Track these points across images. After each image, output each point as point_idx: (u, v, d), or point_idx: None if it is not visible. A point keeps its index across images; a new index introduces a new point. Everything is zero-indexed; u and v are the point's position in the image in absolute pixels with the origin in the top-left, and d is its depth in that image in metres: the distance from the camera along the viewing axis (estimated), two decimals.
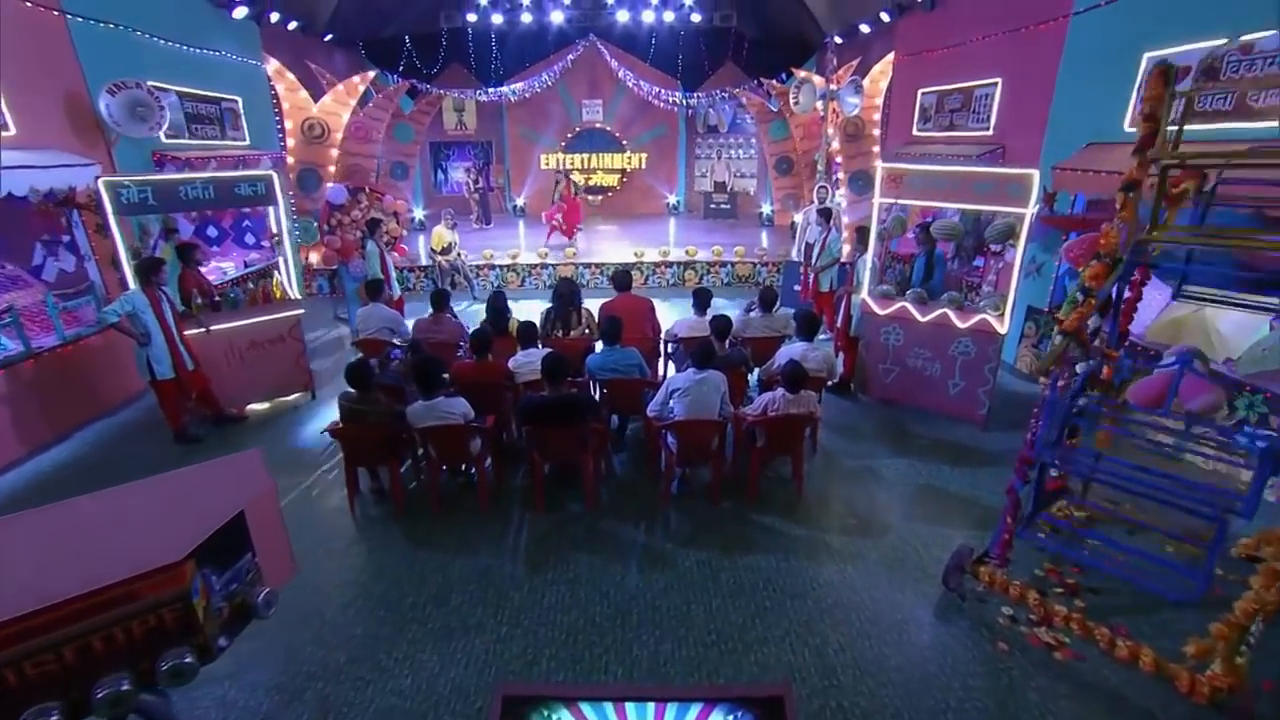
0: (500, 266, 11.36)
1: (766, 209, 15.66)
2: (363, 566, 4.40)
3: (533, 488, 4.98)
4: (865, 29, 11.95)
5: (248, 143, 9.34)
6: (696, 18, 14.90)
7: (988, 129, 7.92)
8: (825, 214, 8.24)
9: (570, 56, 14.92)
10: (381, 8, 13.37)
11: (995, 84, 7.83)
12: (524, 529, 4.76)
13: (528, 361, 5.37)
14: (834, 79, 9.65)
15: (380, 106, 12.71)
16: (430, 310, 6.45)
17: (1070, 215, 6.50)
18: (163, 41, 7.70)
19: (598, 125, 16.75)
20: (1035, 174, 5.31)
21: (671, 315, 9.22)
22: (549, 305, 6.53)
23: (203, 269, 6.84)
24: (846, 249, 8.79)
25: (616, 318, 5.59)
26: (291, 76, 10.62)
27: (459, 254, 10.45)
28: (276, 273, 6.83)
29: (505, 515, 4.93)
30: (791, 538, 4.63)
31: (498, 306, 6.37)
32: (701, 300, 6.46)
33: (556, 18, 14.48)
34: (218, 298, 6.30)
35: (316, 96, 11.15)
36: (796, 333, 5.66)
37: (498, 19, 14.33)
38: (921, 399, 6.39)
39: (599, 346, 5.71)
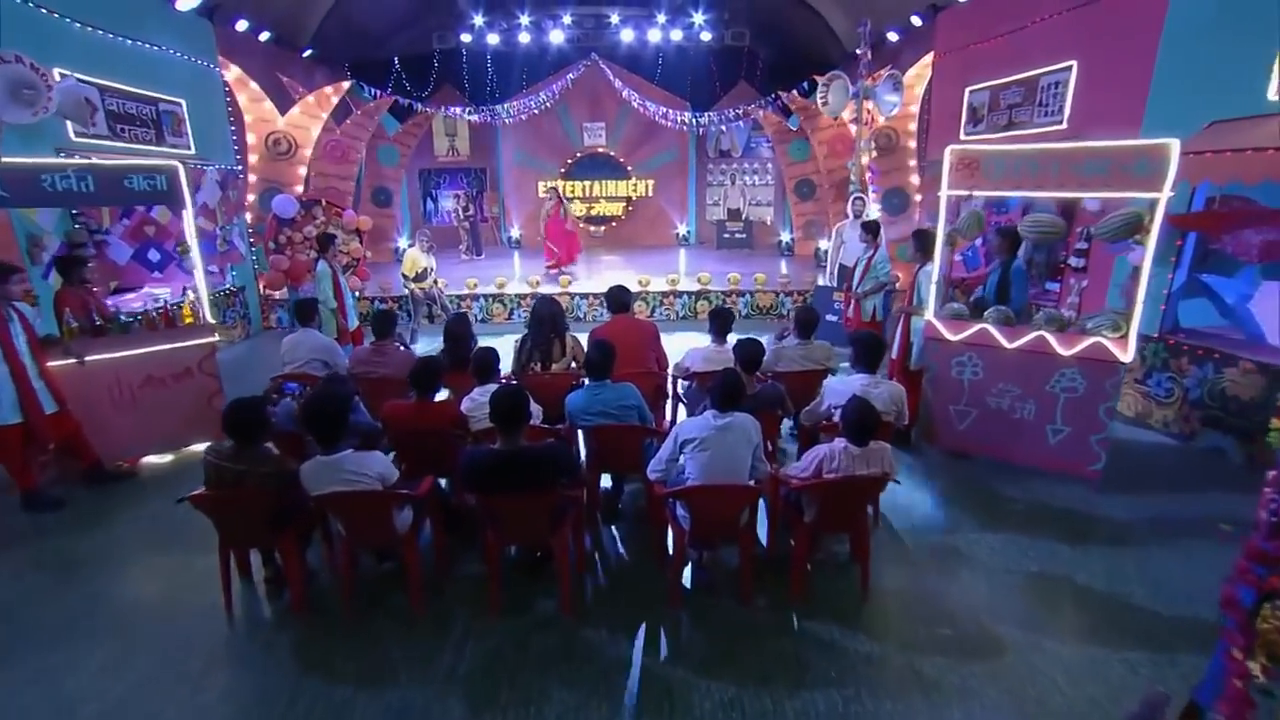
0: (485, 297, 10.15)
1: (785, 237, 14.62)
2: (218, 702, 2.93)
3: (487, 579, 3.52)
4: (894, 36, 10.89)
5: (193, 151, 8.18)
6: (707, 36, 14.23)
7: (1060, 122, 6.64)
8: (871, 229, 6.90)
9: (571, 76, 14.14)
10: (369, 30, 12.67)
11: (1068, 68, 6.57)
12: (469, 642, 3.32)
13: (486, 402, 3.95)
14: (869, 76, 8.41)
15: (359, 124, 11.83)
16: (371, 338, 5.09)
17: (1208, 210, 5.11)
18: (81, 25, 6.56)
19: (600, 150, 15.96)
20: (1174, 144, 3.93)
21: (682, 347, 7.85)
22: (525, 333, 5.17)
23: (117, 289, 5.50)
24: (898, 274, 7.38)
25: (608, 344, 4.21)
26: (255, 86, 9.57)
27: (435, 281, 9.16)
28: (191, 291, 5.50)
29: (445, 620, 3.48)
30: (861, 658, 3.14)
31: (457, 333, 5.06)
32: (721, 325, 5.12)
33: (556, 37, 13.86)
34: (100, 321, 4.96)
35: (285, 111, 10.08)
36: (854, 363, 4.26)
37: (494, 39, 13.67)
38: (1009, 450, 4.93)
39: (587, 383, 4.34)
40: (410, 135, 14.17)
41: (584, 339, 5.27)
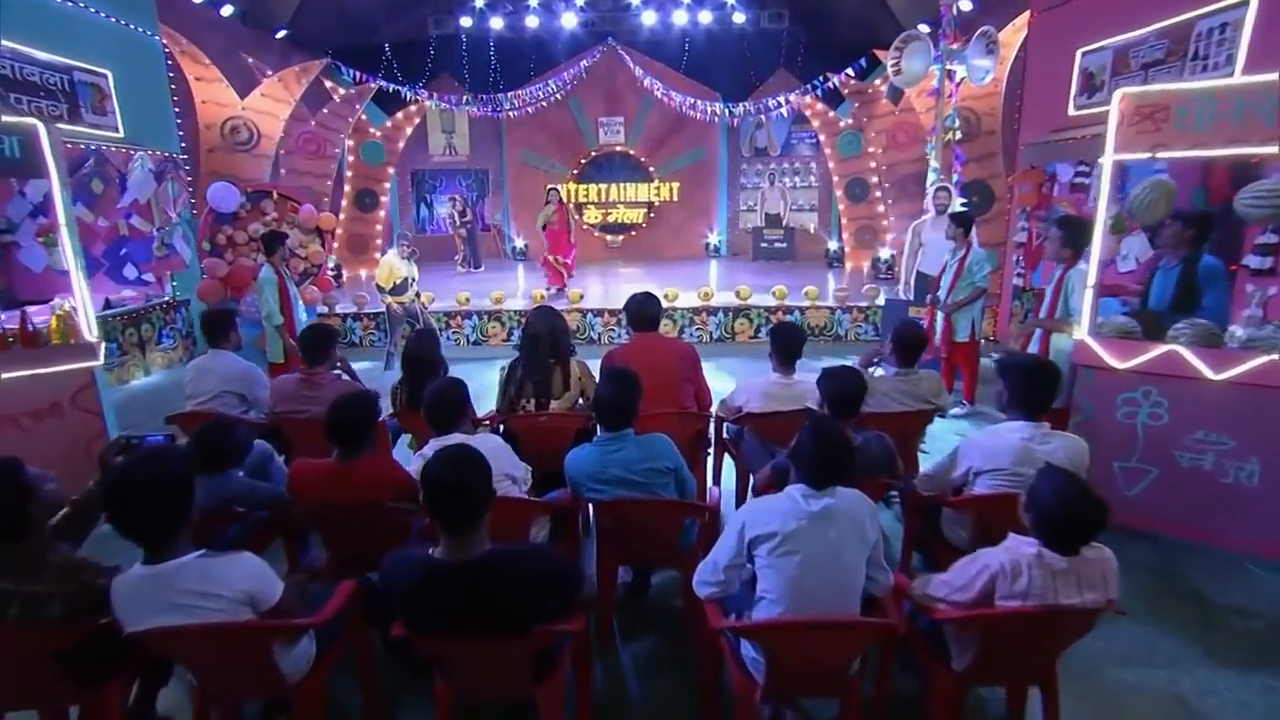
0: (479, 314, 9.02)
1: (833, 246, 13.53)
2: None
3: None
4: (967, 4, 9.73)
5: (121, 134, 7.12)
6: (740, 18, 13.37)
7: (1229, 75, 5.30)
8: (961, 221, 5.64)
9: (585, 63, 13.42)
10: (356, 13, 11.92)
11: (1243, 6, 5.25)
12: None
13: None
14: (954, 38, 7.18)
15: (338, 114, 11.05)
16: (304, 364, 3.91)
17: None
18: None
19: (618, 149, 15.18)
20: None
21: (721, 380, 6.63)
22: (514, 358, 3.96)
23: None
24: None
25: (630, 376, 3.02)
26: (209, 62, 8.53)
27: (416, 294, 8.00)
28: (68, 300, 4.33)
29: None
30: None
31: (419, 356, 3.90)
32: (787, 348, 3.96)
33: (569, 21, 13.12)
34: None
35: (247, 95, 9.11)
36: (1011, 404, 2.95)
37: (497, 23, 12.92)
38: (1213, 528, 3.61)
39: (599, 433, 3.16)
40: (400, 130, 13.37)
41: (597, 367, 4.05)
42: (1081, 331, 3.95)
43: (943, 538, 3.16)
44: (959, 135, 7.63)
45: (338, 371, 4.16)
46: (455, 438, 3.00)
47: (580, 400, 3.99)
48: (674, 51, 14.05)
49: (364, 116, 12.48)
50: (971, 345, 5.86)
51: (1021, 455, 2.80)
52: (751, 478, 3.59)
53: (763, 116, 14.05)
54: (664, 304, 8.76)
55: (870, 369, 4.14)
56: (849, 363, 3.77)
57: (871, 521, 2.36)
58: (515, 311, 9.12)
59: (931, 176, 7.56)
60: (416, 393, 3.85)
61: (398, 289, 7.99)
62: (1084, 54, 7.08)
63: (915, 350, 3.96)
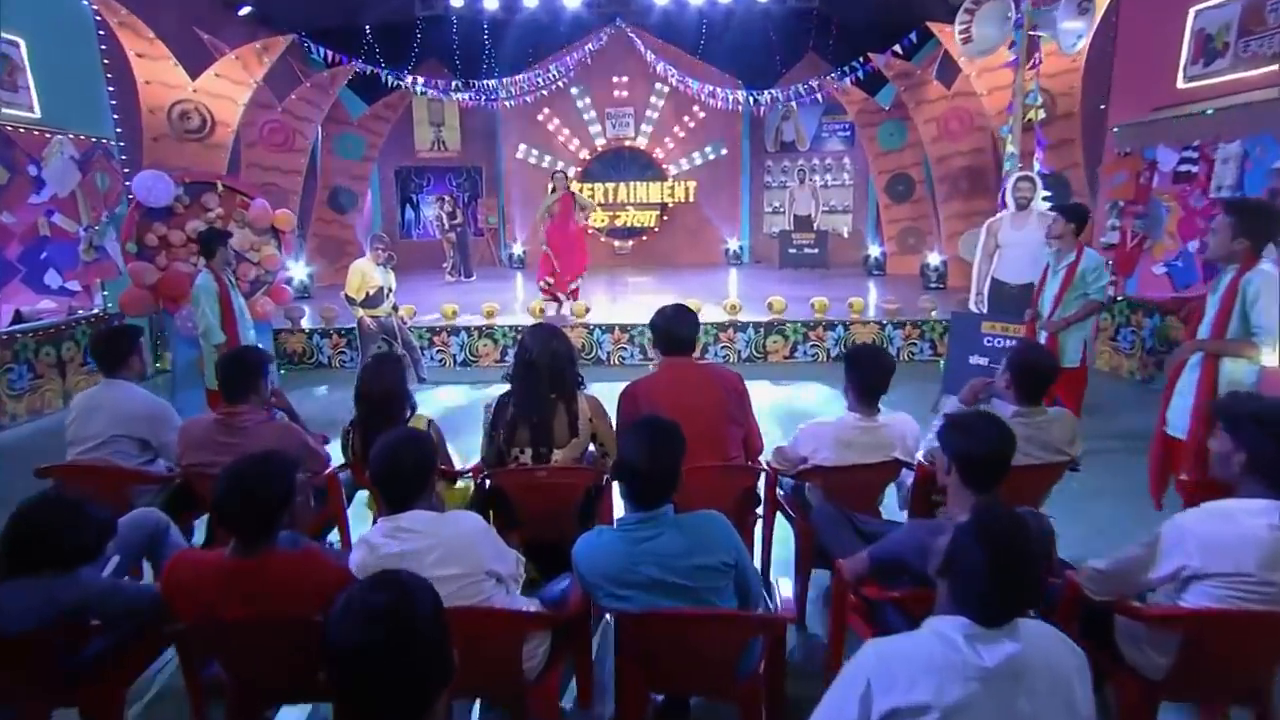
0: (468, 330, 8.46)
1: (874, 251, 12.85)
2: None
3: None
4: None
5: (36, 114, 6.41)
6: None
7: None
8: (1075, 215, 4.90)
9: (590, 47, 13.07)
10: None
11: None
12: None
13: (396, 553, 1.94)
14: None
15: (309, 100, 10.46)
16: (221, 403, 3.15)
17: None
18: None
19: (628, 143, 14.69)
20: None
21: (777, 424, 5.90)
22: (505, 392, 3.29)
23: None
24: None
25: (666, 428, 2.29)
26: (153, 37, 7.85)
27: (394, 307, 7.47)
28: None
29: None
30: None
31: (377, 390, 3.19)
32: (871, 379, 3.22)
33: (572, 2, 12.46)
34: None
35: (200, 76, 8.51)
36: (1252, 473, 2.09)
37: (492, 2, 12.33)
38: None
39: (618, 505, 2.58)
40: (382, 121, 12.91)
41: (611, 403, 3.32)
42: (1273, 356, 3.11)
43: (1119, 660, 2.31)
44: (1042, 115, 6.81)
45: (270, 409, 3.34)
46: (415, 517, 2.20)
47: (590, 447, 3.27)
48: (690, 33, 13.60)
49: (340, 105, 12.04)
50: (1080, 372, 5.09)
51: (1274, 554, 1.95)
52: (832, 561, 2.76)
53: (791, 105, 13.60)
54: None
55: (983, 401, 3.32)
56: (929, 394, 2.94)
57: (1081, 680, 1.53)
58: (510, 327, 8.53)
59: (1008, 165, 6.79)
60: (374, 438, 3.08)
61: (371, 300, 7.35)
62: (1199, 11, 6.32)
63: (1043, 383, 3.19)
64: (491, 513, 3.17)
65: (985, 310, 6.45)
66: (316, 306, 8.98)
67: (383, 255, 7.39)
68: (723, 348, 8.49)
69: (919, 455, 3.23)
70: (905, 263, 12.23)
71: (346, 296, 7.24)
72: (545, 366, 3.18)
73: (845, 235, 14.49)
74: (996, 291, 6.38)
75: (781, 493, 3.54)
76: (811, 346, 8.46)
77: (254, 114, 9.75)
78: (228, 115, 8.77)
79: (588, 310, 8.70)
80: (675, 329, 3.38)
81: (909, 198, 12.44)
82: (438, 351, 8.41)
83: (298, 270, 10.46)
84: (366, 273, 7.29)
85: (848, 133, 14.23)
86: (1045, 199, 6.85)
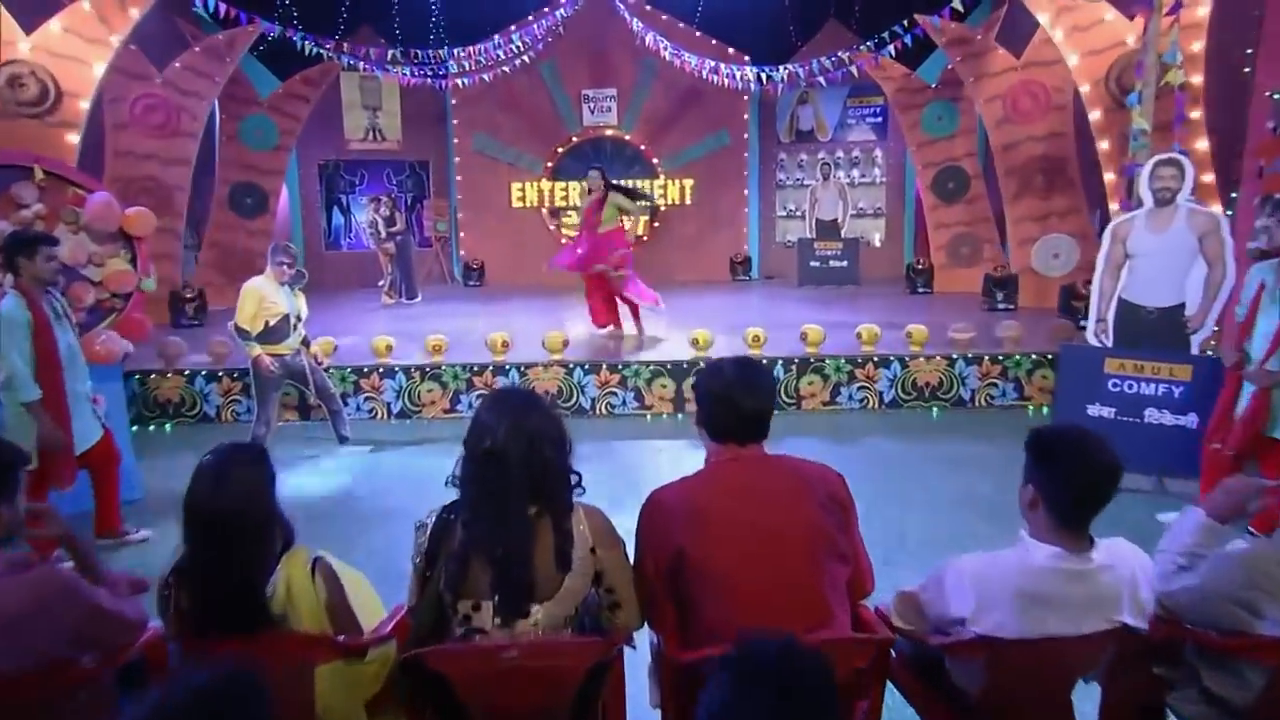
0: (407, 370, 7.86)
1: (916, 263, 12.69)
2: None
3: None
4: None
5: None
6: None
7: None
8: None
9: (563, 12, 12.70)
10: None
11: None
12: None
13: None
14: None
15: (198, 70, 10.15)
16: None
17: None
18: None
19: (609, 133, 14.55)
20: None
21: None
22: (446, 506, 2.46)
23: None
24: None
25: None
26: None
27: (304, 341, 6.74)
28: None
29: None
30: None
31: (221, 515, 2.26)
32: (1078, 483, 2.24)
33: None
34: None
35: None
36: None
37: None
38: None
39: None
40: (300, 102, 12.56)
41: (621, 525, 2.51)
42: None
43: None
44: (1181, 77, 6.01)
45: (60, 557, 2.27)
46: None
47: (592, 589, 2.42)
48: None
49: (244, 79, 11.71)
50: None
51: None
52: None
53: (809, 89, 13.66)
54: (692, 352, 7.60)
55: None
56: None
57: None
58: (465, 367, 7.92)
59: (1135, 146, 5.98)
60: (213, 592, 2.27)
61: (271, 333, 6.47)
62: None
63: None
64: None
65: (1110, 343, 5.87)
66: (205, 338, 8.39)
67: (288, 272, 6.58)
68: None
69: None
70: (958, 277, 11.94)
71: (236, 328, 6.42)
72: (518, 461, 2.29)
73: (878, 244, 14.44)
74: (1127, 317, 5.76)
75: (907, 657, 2.64)
76: (859, 389, 7.88)
77: (122, 86, 9.46)
78: (78, 84, 8.11)
79: (566, 344, 8.00)
80: (741, 400, 2.46)
81: (962, 196, 12.13)
82: (366, 399, 7.82)
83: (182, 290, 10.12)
84: (265, 296, 6.44)
85: (879, 118, 14.19)
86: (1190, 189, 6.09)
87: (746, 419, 2.43)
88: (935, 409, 7.71)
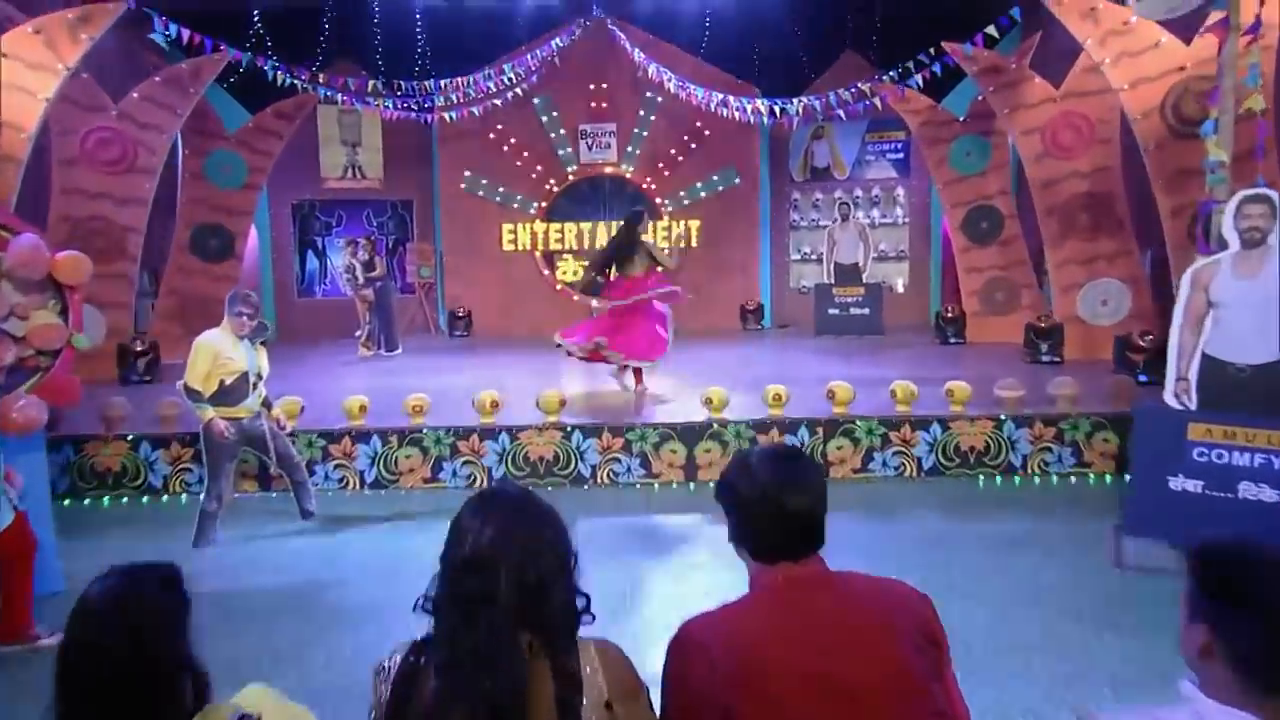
0: (383, 434, 7.64)
1: (946, 310, 12.62)
2: None
3: None
4: None
5: None
6: None
7: None
8: None
9: (558, 42, 13.20)
10: None
11: None
12: None
13: None
14: None
15: (159, 102, 10.23)
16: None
17: None
18: None
19: (609, 170, 14.64)
20: None
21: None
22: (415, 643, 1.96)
23: None
24: None
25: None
26: None
27: (265, 403, 6.51)
28: None
29: None
30: None
31: (103, 655, 1.63)
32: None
33: None
34: None
35: None
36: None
37: None
38: None
39: None
40: (272, 137, 12.52)
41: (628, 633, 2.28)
42: None
43: None
44: (1263, 104, 5.78)
45: None
46: None
47: None
48: (690, 28, 13.68)
49: (210, 112, 11.76)
50: None
51: None
52: None
53: (825, 123, 13.76)
54: (706, 413, 7.72)
55: None
56: None
57: None
58: (449, 430, 7.69)
59: (1214, 180, 5.71)
60: None
61: (227, 394, 6.20)
62: None
63: None
64: None
65: (1193, 405, 5.59)
66: (158, 397, 8.16)
67: (248, 324, 6.32)
68: None
69: None
70: (993, 326, 11.88)
71: (186, 388, 6.14)
72: (511, 581, 1.92)
73: (901, 289, 14.44)
74: (1212, 376, 5.55)
75: None
76: (894, 454, 7.59)
77: (73, 117, 9.40)
78: (21, 115, 8.01)
79: (562, 404, 7.78)
80: (786, 502, 2.02)
81: (995, 237, 12.11)
82: (336, 467, 7.58)
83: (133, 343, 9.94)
84: (220, 351, 6.17)
85: (900, 154, 14.27)
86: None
87: (796, 526, 1.98)
88: (982, 477, 7.42)
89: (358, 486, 7.48)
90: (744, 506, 2.00)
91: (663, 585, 5.16)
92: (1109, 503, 6.27)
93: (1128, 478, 6.09)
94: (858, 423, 7.56)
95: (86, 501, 7.03)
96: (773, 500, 1.94)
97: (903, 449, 7.54)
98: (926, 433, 7.52)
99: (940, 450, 7.51)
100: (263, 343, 6.67)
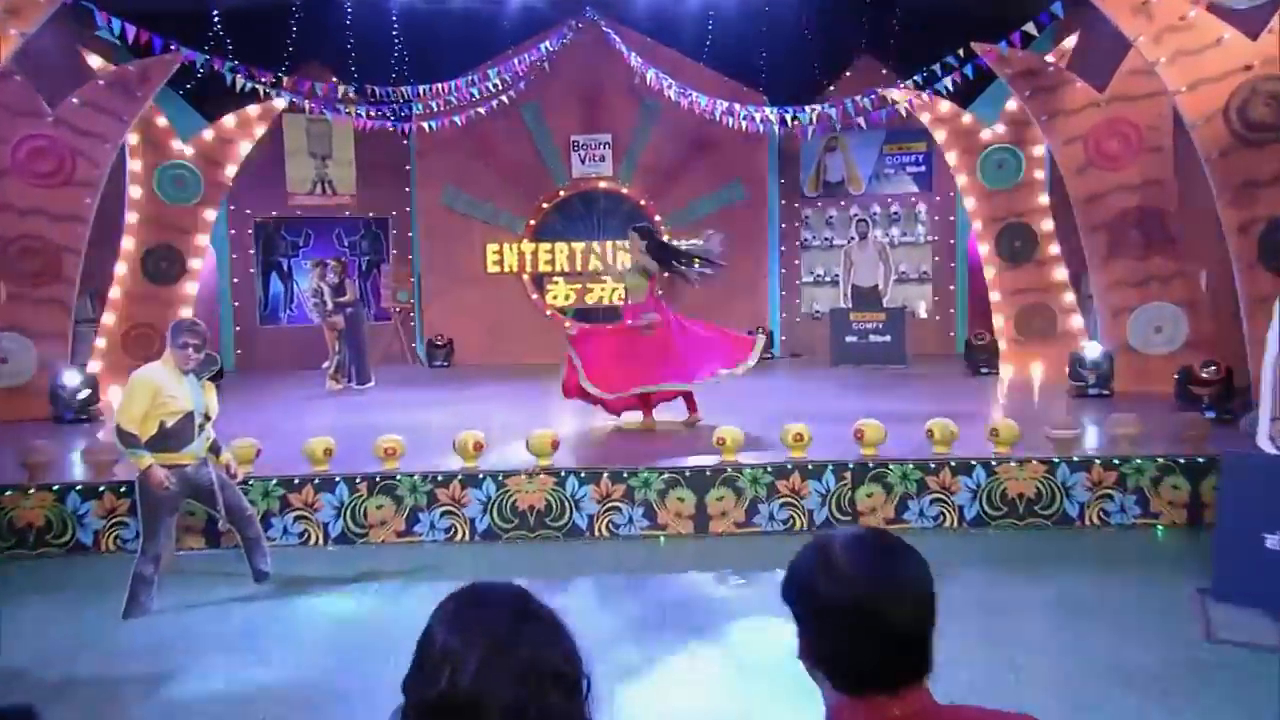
0: (350, 481, 7.29)
1: (976, 339, 12.53)
2: None
3: None
4: None
5: None
6: None
7: None
8: None
9: (548, 44, 13.24)
10: None
11: None
12: None
13: None
14: None
15: (103, 106, 10.05)
16: None
17: None
18: None
19: (603, 185, 14.69)
20: None
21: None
22: None
23: None
24: None
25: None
26: None
27: (212, 448, 6.15)
28: None
29: None
30: None
31: None
32: None
33: None
34: None
35: None
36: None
37: None
38: None
39: None
40: (231, 148, 12.57)
41: None
42: None
43: None
44: None
45: None
46: None
47: None
48: (692, 32, 13.69)
49: (161, 120, 11.74)
50: None
51: None
52: None
53: (838, 134, 13.78)
54: (712, 455, 7.46)
55: None
56: None
57: None
58: (425, 477, 7.33)
59: None
60: None
61: (169, 437, 5.83)
62: None
63: None
64: None
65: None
66: (93, 440, 7.98)
67: (193, 357, 5.91)
68: (782, 506, 7.27)
69: None
70: (1030, 354, 11.65)
71: (119, 430, 5.78)
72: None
73: (923, 314, 14.38)
74: None
75: None
76: (932, 502, 7.21)
77: (3, 124, 9.43)
78: None
79: (556, 445, 7.39)
80: (886, 612, 1.67)
81: (1031, 257, 12.00)
82: (297, 519, 7.21)
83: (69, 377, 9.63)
84: (161, 389, 5.79)
85: (921, 166, 14.27)
86: None
87: (896, 646, 1.56)
88: (1033, 529, 7.06)
89: (321, 541, 7.15)
90: (824, 616, 1.57)
91: (678, 670, 4.69)
92: (1184, 559, 5.97)
93: (1206, 531, 5.84)
94: (890, 467, 7.21)
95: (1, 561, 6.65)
96: (867, 610, 1.52)
97: (942, 496, 7.20)
98: (969, 478, 7.16)
99: (985, 498, 7.16)
100: (212, 378, 6.37)
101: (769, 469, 7.33)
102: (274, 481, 7.23)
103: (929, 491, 7.20)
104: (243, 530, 6.23)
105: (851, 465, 7.29)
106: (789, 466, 7.35)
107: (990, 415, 8.23)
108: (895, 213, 14.52)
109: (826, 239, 14.80)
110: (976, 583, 5.88)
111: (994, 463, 7.21)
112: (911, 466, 7.25)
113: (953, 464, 7.24)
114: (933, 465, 7.26)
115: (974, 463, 7.24)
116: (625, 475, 7.31)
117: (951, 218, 13.84)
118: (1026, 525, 7.15)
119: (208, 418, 6.05)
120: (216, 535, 6.92)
